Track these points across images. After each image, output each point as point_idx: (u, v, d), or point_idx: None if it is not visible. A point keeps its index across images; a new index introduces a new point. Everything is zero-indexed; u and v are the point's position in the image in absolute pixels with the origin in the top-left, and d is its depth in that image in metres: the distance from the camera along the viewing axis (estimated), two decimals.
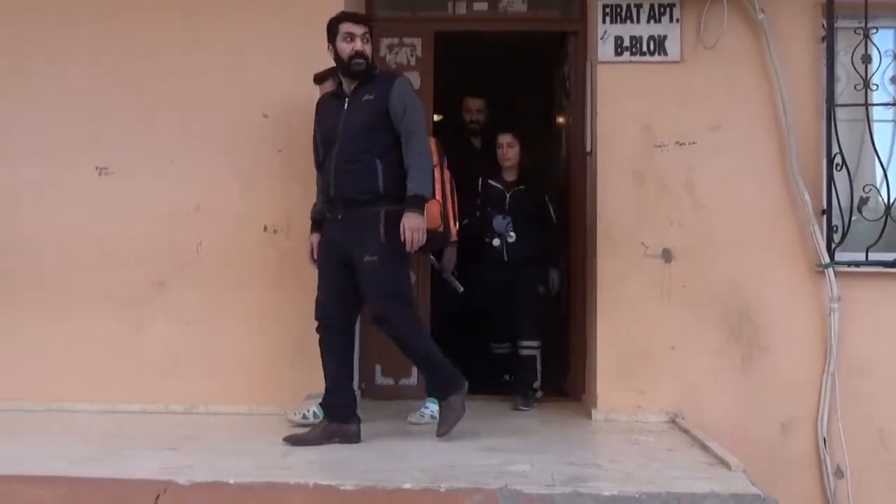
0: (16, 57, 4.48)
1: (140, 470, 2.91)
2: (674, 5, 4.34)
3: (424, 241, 3.45)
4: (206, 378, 4.27)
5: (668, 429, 4.07)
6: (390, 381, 4.80)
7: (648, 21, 4.34)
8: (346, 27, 3.56)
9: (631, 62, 4.35)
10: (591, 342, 4.46)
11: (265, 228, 4.34)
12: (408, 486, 2.72)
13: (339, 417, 3.56)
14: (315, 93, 3.99)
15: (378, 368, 4.79)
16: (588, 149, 4.60)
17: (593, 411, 4.25)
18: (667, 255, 4.29)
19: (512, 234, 4.59)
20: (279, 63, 4.34)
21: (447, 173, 3.97)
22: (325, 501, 2.73)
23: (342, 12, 3.72)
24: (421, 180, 3.45)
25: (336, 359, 3.63)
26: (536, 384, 4.68)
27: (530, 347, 4.64)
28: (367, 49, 3.58)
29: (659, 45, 4.32)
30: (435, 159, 3.85)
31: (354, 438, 3.56)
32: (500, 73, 6.43)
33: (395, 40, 4.79)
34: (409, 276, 3.83)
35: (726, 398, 4.22)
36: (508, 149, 4.69)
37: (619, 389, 4.25)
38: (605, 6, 4.37)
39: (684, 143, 4.32)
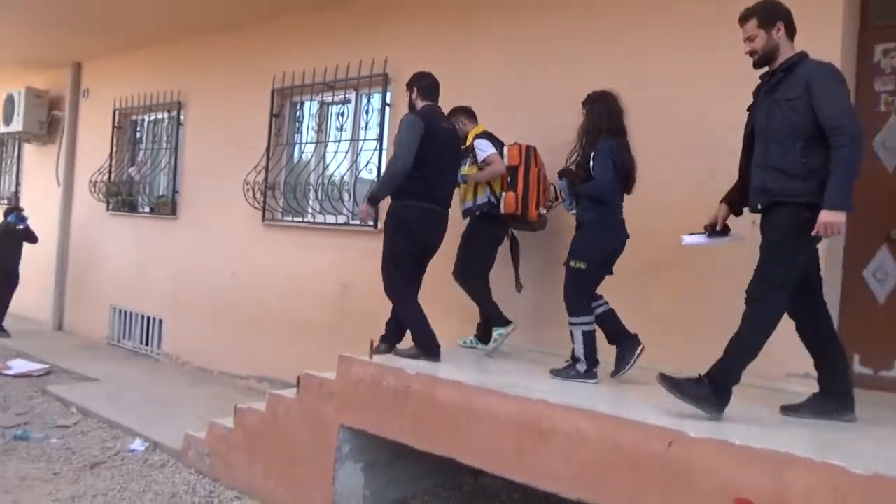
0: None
1: (657, 419, 2.60)
2: None
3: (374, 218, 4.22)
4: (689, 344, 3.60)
5: None
6: (869, 371, 3.74)
7: None
8: None
9: None
10: None
11: None
12: None
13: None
14: None
15: (857, 357, 3.77)
16: None
17: None
18: None
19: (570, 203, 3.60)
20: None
21: (535, 170, 4.01)
22: (832, 479, 2.11)
23: None
24: (377, 185, 3.89)
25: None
26: (580, 366, 3.38)
27: (569, 324, 3.44)
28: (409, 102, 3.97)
29: None
30: (517, 160, 3.98)
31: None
32: None
33: (891, 45, 3.69)
34: (400, 251, 3.75)
35: None
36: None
37: None
38: None
39: None
